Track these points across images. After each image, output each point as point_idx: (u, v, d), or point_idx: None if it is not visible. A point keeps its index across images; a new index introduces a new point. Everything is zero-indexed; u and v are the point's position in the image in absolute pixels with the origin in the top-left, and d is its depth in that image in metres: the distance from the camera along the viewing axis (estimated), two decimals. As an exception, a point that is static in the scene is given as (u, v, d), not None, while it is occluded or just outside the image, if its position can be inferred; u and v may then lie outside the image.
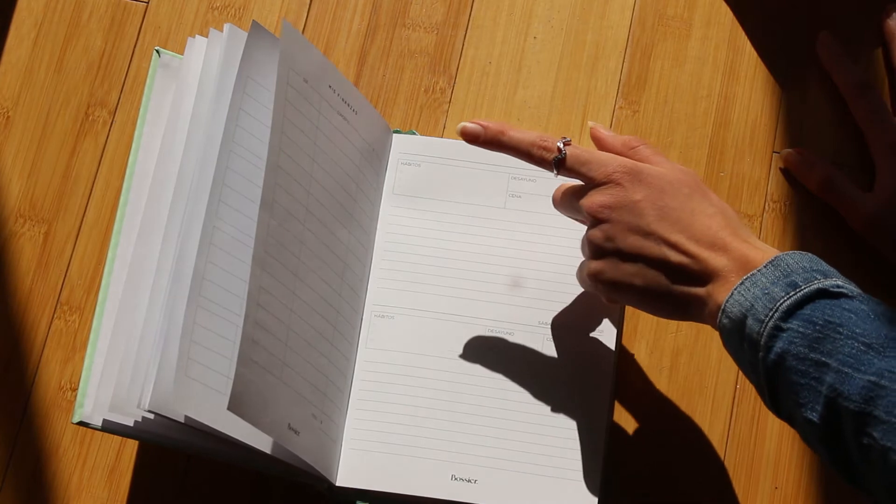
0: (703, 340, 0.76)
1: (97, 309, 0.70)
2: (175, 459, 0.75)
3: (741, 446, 0.75)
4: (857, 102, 0.78)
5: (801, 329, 0.56)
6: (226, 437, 0.64)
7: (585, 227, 0.67)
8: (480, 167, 0.77)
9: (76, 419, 0.68)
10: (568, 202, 0.68)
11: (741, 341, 0.59)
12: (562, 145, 0.66)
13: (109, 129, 0.81)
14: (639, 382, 0.76)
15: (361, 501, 0.71)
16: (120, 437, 0.74)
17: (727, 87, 0.81)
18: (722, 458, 0.74)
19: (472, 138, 0.68)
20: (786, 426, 0.73)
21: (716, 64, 0.81)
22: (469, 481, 0.71)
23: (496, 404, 0.72)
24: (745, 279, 0.59)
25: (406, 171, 0.77)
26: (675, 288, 0.62)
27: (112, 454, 0.75)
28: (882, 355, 0.54)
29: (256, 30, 0.70)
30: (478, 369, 0.73)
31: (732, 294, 0.59)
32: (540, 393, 0.72)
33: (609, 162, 0.65)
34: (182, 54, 0.74)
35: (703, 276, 0.61)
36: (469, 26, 0.83)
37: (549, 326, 0.74)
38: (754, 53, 0.81)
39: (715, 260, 0.61)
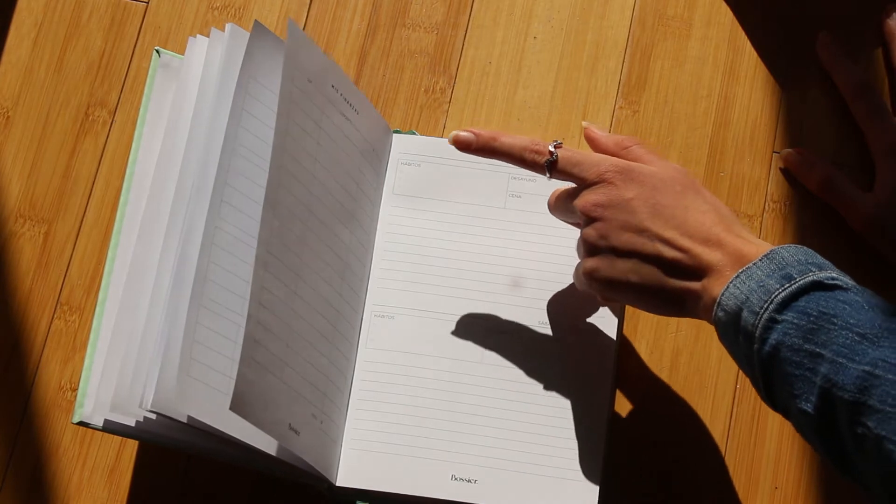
0: (703, 340, 0.76)
1: (97, 309, 0.70)
2: (175, 459, 0.75)
3: (741, 446, 0.75)
4: (857, 102, 0.78)
5: (795, 321, 0.56)
6: (227, 437, 0.64)
7: None
8: (480, 167, 0.77)
9: (76, 419, 0.68)
10: (562, 205, 0.69)
11: (736, 334, 0.59)
12: (553, 148, 0.67)
13: (109, 129, 0.81)
14: (639, 382, 0.76)
15: (361, 501, 0.71)
16: (120, 437, 0.74)
17: (727, 87, 0.81)
18: (722, 458, 0.74)
19: (464, 146, 0.69)
20: (786, 426, 0.73)
21: (716, 64, 0.81)
22: (469, 481, 0.71)
23: (496, 404, 0.72)
24: (741, 272, 0.59)
25: (406, 171, 0.77)
26: (670, 283, 0.63)
27: (112, 454, 0.75)
28: (876, 345, 0.54)
29: (259, 30, 0.70)
30: (478, 369, 0.73)
31: (728, 287, 0.59)
32: (540, 393, 0.72)
33: (601, 162, 0.66)
34: (182, 54, 0.74)
35: (698, 270, 0.61)
36: (469, 26, 0.83)
37: (550, 327, 0.74)
38: (754, 53, 0.81)
39: (709, 255, 0.61)
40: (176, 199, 0.69)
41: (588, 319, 0.74)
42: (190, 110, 0.71)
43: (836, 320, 0.55)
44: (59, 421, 0.76)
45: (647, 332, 0.76)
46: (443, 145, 0.78)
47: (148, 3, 0.83)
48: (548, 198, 0.71)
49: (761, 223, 0.78)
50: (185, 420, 0.64)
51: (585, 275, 0.66)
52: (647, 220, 0.63)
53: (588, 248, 0.66)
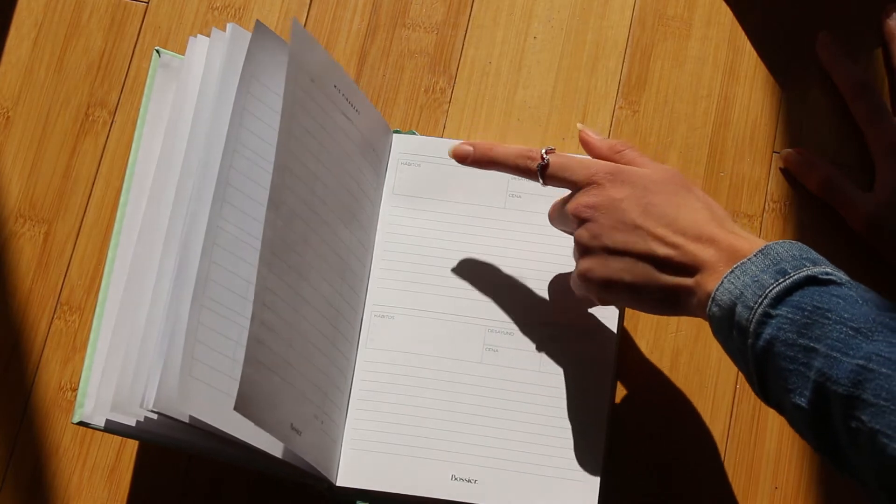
0: (703, 340, 0.76)
1: (97, 309, 0.70)
2: (175, 459, 0.75)
3: (741, 446, 0.75)
4: (857, 102, 0.78)
5: (789, 315, 0.56)
6: (229, 437, 0.64)
7: None
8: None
9: (76, 419, 0.68)
10: (558, 213, 0.70)
11: (730, 329, 0.59)
12: (545, 154, 0.68)
13: (109, 130, 0.81)
14: (639, 382, 0.76)
15: (361, 501, 0.71)
16: (120, 437, 0.74)
17: (727, 87, 0.81)
18: (722, 458, 0.74)
19: (462, 158, 0.72)
20: (786, 425, 0.73)
21: (716, 64, 0.81)
22: (469, 481, 0.71)
23: (496, 404, 0.72)
24: (735, 267, 0.59)
25: (406, 171, 0.77)
26: (664, 280, 0.63)
27: (112, 454, 0.75)
28: (870, 339, 0.54)
29: (260, 30, 0.70)
30: (478, 369, 0.73)
31: (722, 282, 0.59)
32: (540, 393, 0.72)
33: (590, 165, 0.67)
34: (182, 54, 0.74)
35: (691, 267, 0.62)
36: (469, 26, 0.83)
37: (550, 327, 0.74)
38: (754, 53, 0.81)
39: (702, 251, 0.61)
40: (176, 199, 0.69)
41: (588, 319, 0.74)
42: (190, 110, 0.71)
43: (830, 315, 0.55)
44: (59, 421, 0.76)
45: (647, 332, 0.76)
46: (443, 145, 0.78)
47: (148, 3, 0.83)
48: (549, 197, 0.71)
49: (761, 223, 0.78)
50: (186, 420, 0.64)
51: (580, 276, 0.67)
52: (639, 219, 0.64)
53: (581, 250, 0.66)
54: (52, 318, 0.78)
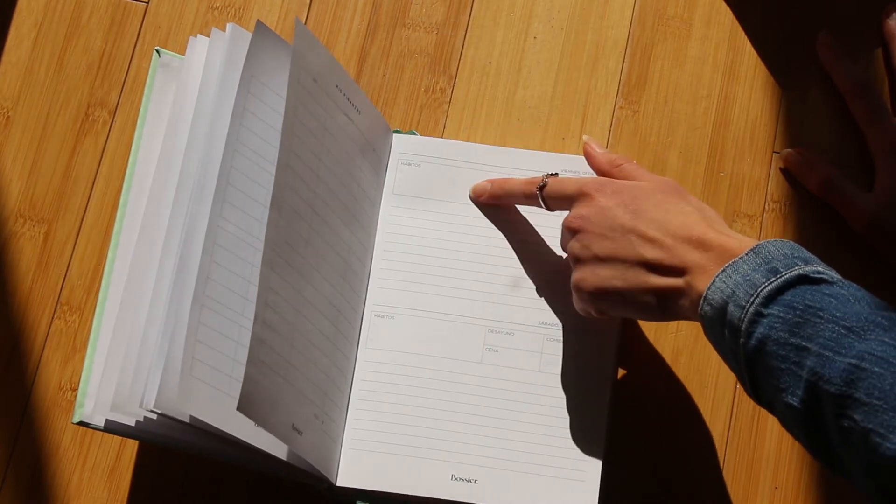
0: (703, 340, 0.76)
1: (97, 309, 0.70)
2: (175, 459, 0.75)
3: (741, 446, 0.75)
4: (857, 102, 0.78)
5: (781, 314, 0.56)
6: (229, 437, 0.64)
7: None
8: (480, 167, 0.77)
9: (76, 419, 0.68)
10: (561, 235, 0.71)
11: (722, 328, 0.59)
12: (545, 177, 0.71)
13: (109, 129, 0.81)
14: (638, 383, 0.76)
15: (361, 501, 0.71)
16: (120, 437, 0.74)
17: (727, 87, 0.81)
18: (722, 458, 0.74)
19: (480, 193, 0.76)
20: (786, 426, 0.73)
21: (716, 64, 0.81)
22: (469, 481, 0.71)
23: (496, 404, 0.72)
24: (727, 266, 0.59)
25: (406, 171, 0.77)
26: (655, 282, 0.63)
27: (112, 454, 0.75)
28: (862, 338, 0.54)
29: (261, 30, 0.70)
30: (478, 369, 0.73)
31: (714, 281, 0.59)
32: (540, 393, 0.72)
33: (581, 178, 0.68)
34: (182, 54, 0.74)
35: (682, 268, 0.62)
36: (469, 26, 0.83)
37: (549, 327, 0.74)
38: (754, 53, 0.81)
39: (693, 253, 0.62)
40: (176, 199, 0.69)
41: (588, 320, 0.74)
42: (190, 110, 0.71)
43: (822, 314, 0.55)
44: (59, 421, 0.76)
45: (648, 331, 0.76)
46: (443, 145, 0.78)
47: (148, 3, 0.83)
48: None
49: (761, 223, 0.78)
50: (187, 420, 0.64)
51: (573, 288, 0.67)
52: (629, 223, 0.64)
53: (573, 261, 0.67)
54: (52, 318, 0.78)
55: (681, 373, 0.76)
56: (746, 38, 0.82)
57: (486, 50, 0.82)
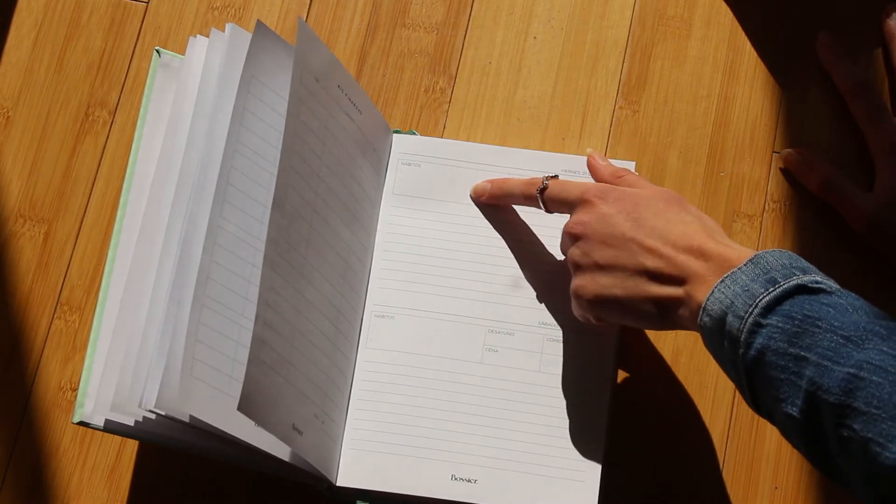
0: (703, 340, 0.76)
1: (97, 309, 0.70)
2: (175, 459, 0.75)
3: (741, 446, 0.75)
4: (857, 102, 0.78)
5: (780, 324, 0.56)
6: (230, 437, 0.64)
7: None
8: (480, 167, 0.77)
9: (76, 419, 0.68)
10: (561, 238, 0.71)
11: (721, 339, 0.59)
12: (545, 179, 0.70)
13: (109, 129, 0.81)
14: (638, 383, 0.76)
15: (361, 501, 0.71)
16: (120, 437, 0.74)
17: (727, 87, 0.81)
18: (722, 458, 0.74)
19: (480, 193, 0.76)
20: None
21: (716, 64, 0.81)
22: (469, 481, 0.71)
23: (496, 404, 0.72)
24: (726, 277, 0.59)
25: (406, 171, 0.77)
26: (654, 292, 0.63)
27: (112, 454, 0.75)
28: (861, 347, 0.54)
29: (261, 30, 0.70)
30: (478, 369, 0.73)
31: (713, 292, 0.59)
32: (540, 393, 0.72)
33: (583, 184, 0.68)
34: (182, 54, 0.74)
35: (682, 278, 0.62)
36: (469, 26, 0.83)
37: (549, 327, 0.74)
38: (754, 53, 0.81)
39: (692, 262, 0.62)
40: (176, 199, 0.69)
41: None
42: (190, 110, 0.71)
43: (820, 323, 0.55)
44: (59, 421, 0.76)
45: (648, 331, 0.76)
46: (443, 145, 0.78)
47: (148, 3, 0.83)
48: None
49: (761, 223, 0.78)
50: (187, 420, 0.64)
51: (573, 295, 0.68)
52: (630, 231, 0.64)
53: (573, 267, 0.67)
54: (52, 318, 0.78)
55: (681, 373, 0.76)
56: (746, 38, 0.82)
57: (486, 50, 0.82)
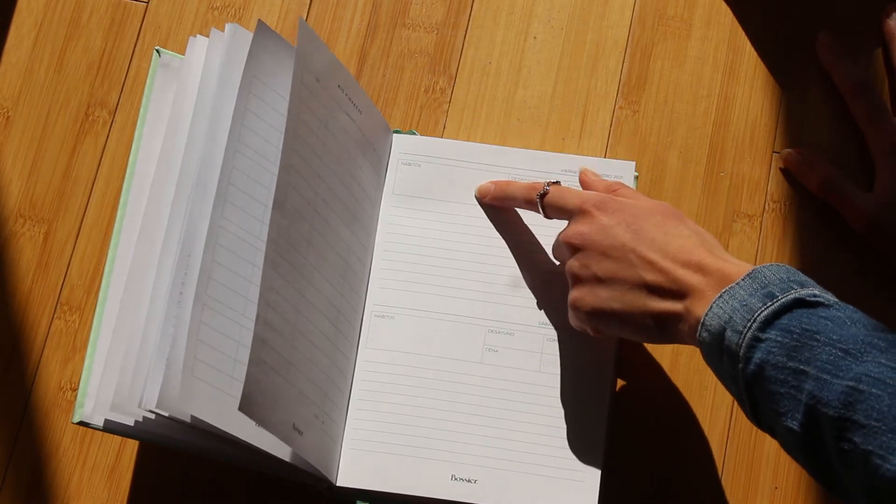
0: (703, 340, 0.76)
1: (97, 309, 0.70)
2: (175, 459, 0.75)
3: (741, 446, 0.75)
4: (857, 102, 0.78)
5: (779, 338, 0.56)
6: (230, 437, 0.64)
7: None
8: (480, 167, 0.77)
9: (76, 419, 0.68)
10: (556, 245, 0.71)
11: (720, 354, 0.59)
12: (547, 185, 0.71)
13: (109, 129, 0.81)
14: (639, 383, 0.76)
15: (361, 501, 0.71)
16: (120, 437, 0.74)
17: (727, 87, 0.81)
18: (722, 458, 0.74)
19: (484, 194, 0.76)
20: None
21: (716, 64, 0.81)
22: (469, 481, 0.71)
23: (496, 404, 0.72)
24: (724, 292, 0.59)
25: (406, 171, 0.77)
26: (653, 306, 0.63)
27: (112, 454, 0.75)
28: (859, 360, 0.54)
29: (262, 30, 0.70)
30: (478, 369, 0.73)
31: (711, 307, 0.59)
32: (540, 393, 0.72)
33: (583, 194, 0.69)
34: (182, 54, 0.74)
35: (680, 292, 0.62)
36: (469, 26, 0.83)
37: (550, 327, 0.74)
38: (754, 53, 0.81)
39: (691, 277, 0.62)
40: (176, 199, 0.69)
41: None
42: (190, 110, 0.71)
43: (819, 337, 0.55)
44: (59, 421, 0.76)
45: (647, 332, 0.76)
46: (443, 145, 0.78)
47: (148, 3, 0.83)
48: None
49: (761, 223, 0.78)
50: (188, 420, 0.64)
51: (571, 307, 0.68)
52: (630, 242, 0.64)
53: (572, 279, 0.67)
54: (52, 318, 0.78)
55: (681, 373, 0.76)
56: (746, 38, 0.82)
57: (486, 50, 0.82)
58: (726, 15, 0.82)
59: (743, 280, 0.59)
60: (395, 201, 0.77)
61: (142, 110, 0.74)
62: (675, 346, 0.76)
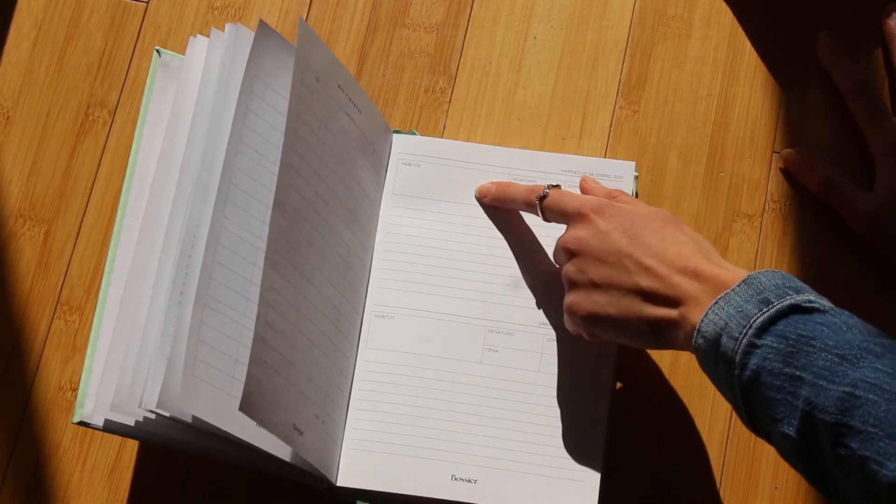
0: (703, 340, 0.76)
1: (97, 309, 0.70)
2: (175, 459, 0.75)
3: (741, 446, 0.75)
4: (857, 102, 0.78)
5: (775, 345, 0.56)
6: (231, 437, 0.64)
7: None
8: (480, 167, 0.77)
9: (76, 419, 0.68)
10: (556, 250, 0.71)
11: (716, 361, 0.59)
12: (547, 188, 0.71)
13: (109, 129, 0.81)
14: (639, 383, 0.76)
15: (361, 501, 0.71)
16: (120, 437, 0.74)
17: (727, 87, 0.81)
18: (722, 458, 0.74)
19: (485, 194, 0.76)
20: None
21: (716, 64, 0.81)
22: (469, 481, 0.71)
23: (496, 404, 0.72)
24: (719, 298, 0.59)
25: (406, 171, 0.77)
26: (649, 312, 0.63)
27: (112, 454, 0.75)
28: (856, 366, 0.54)
29: (264, 29, 0.70)
30: (478, 369, 0.73)
31: (707, 314, 0.59)
32: (540, 393, 0.72)
33: (581, 197, 0.68)
34: (182, 54, 0.74)
35: (676, 299, 0.62)
36: (469, 26, 0.83)
37: (549, 327, 0.74)
38: (754, 53, 0.81)
39: (687, 283, 0.62)
40: (176, 199, 0.69)
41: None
42: (191, 110, 0.71)
43: (815, 343, 0.55)
44: (59, 421, 0.76)
45: (647, 332, 0.76)
46: (443, 145, 0.78)
47: (148, 3, 0.83)
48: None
49: (761, 223, 0.78)
50: (190, 420, 0.64)
51: (566, 311, 0.68)
52: (627, 247, 0.64)
53: (568, 283, 0.67)
54: (52, 318, 0.78)
55: (681, 373, 0.76)
56: (746, 38, 0.82)
57: (486, 50, 0.82)
58: (726, 15, 0.82)
59: (738, 286, 0.59)
60: (395, 201, 0.77)
61: (142, 110, 0.74)
62: (675, 346, 0.76)
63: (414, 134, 0.79)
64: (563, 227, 0.70)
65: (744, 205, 0.79)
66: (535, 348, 0.73)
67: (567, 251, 0.67)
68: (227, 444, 0.66)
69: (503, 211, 0.76)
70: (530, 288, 0.75)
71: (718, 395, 0.75)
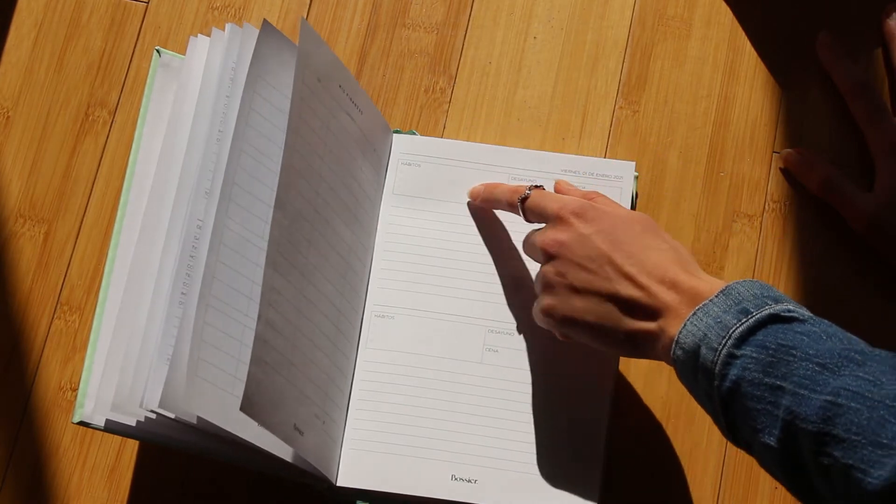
0: (703, 340, 0.76)
1: (97, 309, 0.70)
2: (175, 459, 0.75)
3: (741, 446, 0.75)
4: (857, 102, 0.78)
5: (754, 354, 0.56)
6: (233, 437, 0.64)
7: None
8: (480, 167, 0.77)
9: (76, 419, 0.68)
10: (529, 243, 0.70)
11: (695, 372, 0.59)
12: (528, 189, 0.70)
13: (109, 129, 0.81)
14: (639, 383, 0.76)
15: (361, 501, 0.71)
16: (120, 437, 0.74)
17: (727, 87, 0.81)
18: (722, 458, 0.74)
19: (475, 196, 0.76)
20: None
21: (716, 64, 0.81)
22: (469, 481, 0.71)
23: (496, 404, 0.72)
24: (698, 309, 0.59)
25: (406, 171, 0.77)
26: (626, 323, 0.63)
27: (112, 454, 0.75)
28: (837, 374, 0.54)
29: (267, 29, 0.70)
30: (478, 369, 0.73)
31: (685, 325, 0.59)
32: (540, 393, 0.72)
33: (563, 199, 0.68)
34: (182, 54, 0.74)
35: (654, 310, 0.61)
36: (469, 26, 0.83)
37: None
38: (754, 53, 0.81)
39: (665, 294, 0.61)
40: (177, 199, 0.69)
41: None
42: (191, 110, 0.71)
43: (795, 352, 0.55)
44: (59, 421, 0.76)
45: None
46: (443, 145, 0.78)
47: (148, 3, 0.83)
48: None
49: (761, 223, 0.78)
50: (194, 421, 0.64)
51: (543, 312, 0.67)
52: (608, 252, 0.64)
53: (545, 285, 0.67)
54: (52, 318, 0.78)
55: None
56: (746, 38, 0.82)
57: (486, 50, 0.82)
58: (726, 15, 0.82)
59: (717, 297, 0.59)
60: (395, 201, 0.77)
61: (142, 110, 0.74)
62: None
63: (414, 134, 0.79)
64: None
65: (744, 205, 0.79)
66: (536, 348, 0.73)
67: (545, 253, 0.66)
68: (228, 444, 0.66)
69: (488, 212, 0.76)
70: (531, 288, 0.75)
71: (718, 395, 0.75)
